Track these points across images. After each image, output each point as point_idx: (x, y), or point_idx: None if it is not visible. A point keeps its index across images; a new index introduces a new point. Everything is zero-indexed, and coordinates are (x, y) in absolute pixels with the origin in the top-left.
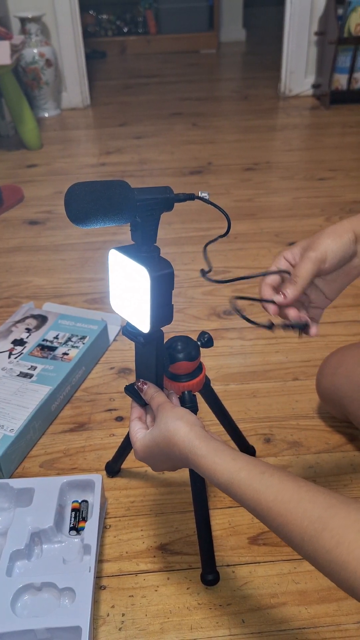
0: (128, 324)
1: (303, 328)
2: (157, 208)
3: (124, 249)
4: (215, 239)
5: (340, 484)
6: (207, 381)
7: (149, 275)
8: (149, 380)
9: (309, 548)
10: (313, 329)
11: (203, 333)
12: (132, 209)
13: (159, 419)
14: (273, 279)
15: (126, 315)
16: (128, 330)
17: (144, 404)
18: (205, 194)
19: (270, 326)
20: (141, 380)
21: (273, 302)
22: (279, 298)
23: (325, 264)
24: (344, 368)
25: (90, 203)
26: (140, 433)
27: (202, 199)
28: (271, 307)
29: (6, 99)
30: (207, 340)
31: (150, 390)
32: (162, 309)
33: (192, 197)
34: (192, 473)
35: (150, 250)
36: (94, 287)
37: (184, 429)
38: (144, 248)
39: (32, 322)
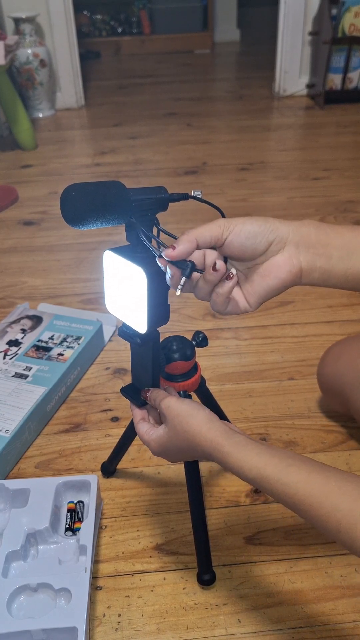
0: (124, 325)
1: (185, 268)
2: (152, 208)
3: (119, 250)
4: None
5: None
6: (202, 381)
7: (145, 275)
8: (146, 381)
9: (346, 538)
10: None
11: (198, 332)
12: (127, 210)
13: (170, 418)
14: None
15: (122, 316)
16: (124, 332)
17: (142, 404)
18: (198, 193)
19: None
20: (143, 390)
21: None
22: (168, 251)
23: (221, 239)
24: (347, 356)
25: (85, 204)
26: (152, 434)
27: (195, 197)
28: (160, 260)
29: (0, 99)
30: (201, 340)
31: (153, 394)
32: (159, 309)
33: (186, 196)
34: (188, 473)
35: (146, 250)
36: (89, 288)
37: (204, 427)
38: (139, 248)
39: (27, 323)
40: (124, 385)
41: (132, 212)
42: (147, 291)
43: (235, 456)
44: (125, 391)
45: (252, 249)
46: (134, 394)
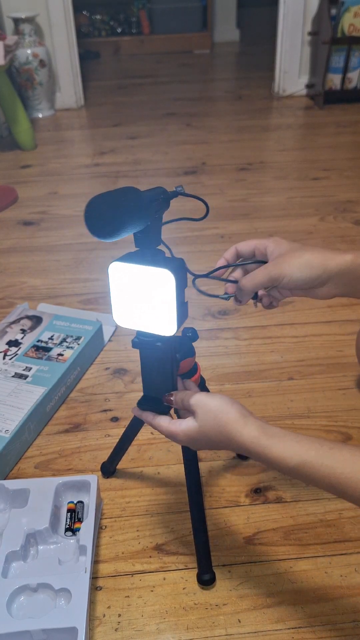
0: (139, 334)
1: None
2: (161, 208)
3: (127, 259)
4: (194, 219)
5: None
6: (202, 381)
7: (173, 275)
8: (165, 386)
9: None
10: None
11: (187, 329)
12: (147, 213)
13: (202, 413)
14: (231, 254)
15: (140, 325)
16: (141, 340)
17: (166, 411)
18: (180, 187)
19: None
20: (165, 396)
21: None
22: (225, 296)
23: (278, 284)
24: None
25: (116, 216)
26: (180, 424)
27: (181, 193)
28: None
29: (0, 99)
30: (192, 335)
31: (179, 396)
32: (183, 307)
33: (176, 193)
34: (188, 473)
35: (157, 252)
36: (89, 288)
37: (239, 423)
38: (149, 252)
39: (26, 323)
40: (139, 401)
41: (149, 214)
42: (176, 291)
43: (275, 448)
44: (143, 404)
45: (303, 290)
46: (154, 404)
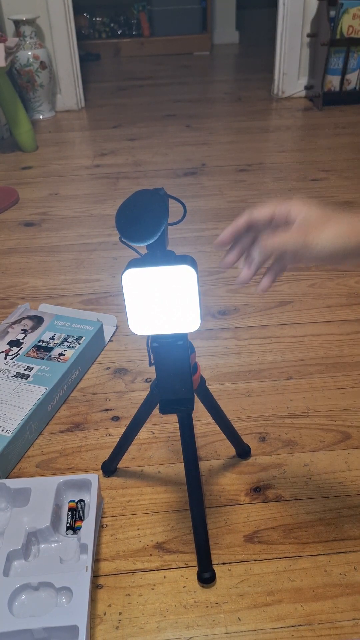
0: (155, 338)
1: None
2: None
3: (140, 263)
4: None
5: (334, 481)
6: (202, 380)
7: (194, 270)
8: (185, 383)
9: None
10: (263, 282)
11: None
12: (167, 210)
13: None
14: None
15: (159, 329)
16: (160, 343)
17: (187, 411)
18: (161, 189)
19: None
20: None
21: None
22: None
23: (307, 253)
24: None
25: (156, 218)
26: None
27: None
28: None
29: (1, 101)
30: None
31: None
32: (201, 300)
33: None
34: (188, 472)
35: (168, 253)
36: (90, 288)
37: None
38: (160, 253)
39: (28, 323)
40: (160, 408)
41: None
42: (198, 285)
43: None
44: (165, 408)
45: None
46: (175, 404)
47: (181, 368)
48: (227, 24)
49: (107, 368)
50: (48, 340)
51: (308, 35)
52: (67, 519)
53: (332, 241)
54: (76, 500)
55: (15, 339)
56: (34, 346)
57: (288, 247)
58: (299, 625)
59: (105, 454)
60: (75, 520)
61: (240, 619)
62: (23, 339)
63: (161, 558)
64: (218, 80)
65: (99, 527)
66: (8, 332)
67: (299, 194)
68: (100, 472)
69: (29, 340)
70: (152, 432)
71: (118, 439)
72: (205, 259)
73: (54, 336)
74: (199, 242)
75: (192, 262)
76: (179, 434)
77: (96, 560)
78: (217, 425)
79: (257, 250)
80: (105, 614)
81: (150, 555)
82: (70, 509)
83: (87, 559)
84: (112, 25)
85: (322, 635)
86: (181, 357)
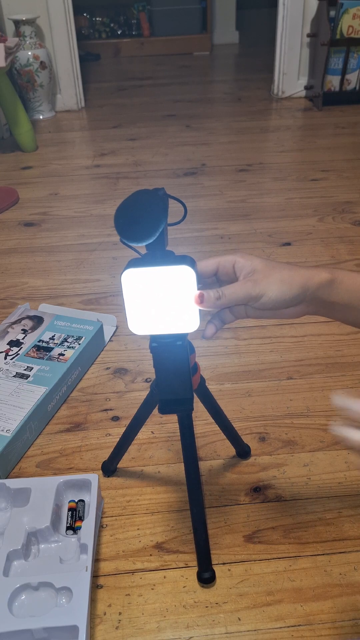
0: (155, 338)
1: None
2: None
3: (140, 263)
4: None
5: (334, 481)
6: (202, 380)
7: (193, 270)
8: (184, 384)
9: None
10: (208, 330)
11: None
12: (166, 209)
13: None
14: (213, 265)
15: (158, 329)
16: (160, 343)
17: (186, 411)
18: (161, 189)
19: None
20: (197, 294)
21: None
22: (197, 300)
23: (255, 303)
24: None
25: (155, 217)
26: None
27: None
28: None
29: (1, 101)
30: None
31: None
32: None
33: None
34: (188, 472)
35: (168, 253)
36: (89, 288)
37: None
38: (160, 253)
39: (28, 323)
40: (159, 408)
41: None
42: (197, 284)
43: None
44: (165, 409)
45: (274, 311)
46: (174, 405)
47: (181, 368)
48: (227, 24)
49: (107, 368)
50: (48, 340)
51: (308, 35)
52: (67, 519)
53: (278, 286)
54: (76, 500)
55: (15, 339)
56: (34, 346)
57: (239, 296)
58: (298, 625)
59: (105, 454)
60: (75, 520)
61: (240, 619)
62: (23, 339)
63: (161, 558)
64: (218, 80)
65: (99, 527)
66: (8, 332)
67: (298, 194)
68: (100, 472)
69: (29, 340)
70: (152, 432)
71: (118, 439)
72: (204, 259)
73: (54, 336)
74: (199, 242)
75: (192, 263)
76: (179, 434)
77: (96, 560)
78: (217, 425)
79: (217, 303)
80: (105, 614)
81: (150, 555)
82: (70, 509)
83: (87, 559)
84: (112, 25)
85: (322, 635)
86: (180, 358)
